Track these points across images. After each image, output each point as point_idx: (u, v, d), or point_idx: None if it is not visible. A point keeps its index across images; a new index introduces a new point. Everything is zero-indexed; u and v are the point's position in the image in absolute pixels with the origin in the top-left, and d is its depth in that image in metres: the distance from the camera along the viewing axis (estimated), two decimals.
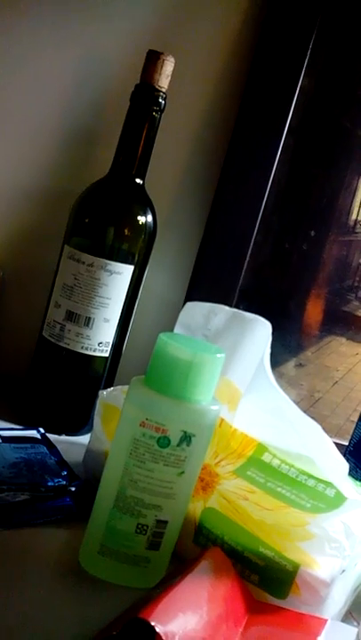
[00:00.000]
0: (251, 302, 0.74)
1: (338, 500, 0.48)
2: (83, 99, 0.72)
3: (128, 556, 0.44)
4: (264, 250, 0.76)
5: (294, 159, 0.76)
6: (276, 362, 0.78)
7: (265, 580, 0.45)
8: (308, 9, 0.72)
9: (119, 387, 0.58)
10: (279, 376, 0.78)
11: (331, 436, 0.71)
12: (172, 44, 0.70)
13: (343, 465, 0.47)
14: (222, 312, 0.55)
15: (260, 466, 0.51)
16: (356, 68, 0.76)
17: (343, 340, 0.80)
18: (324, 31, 0.73)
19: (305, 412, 0.50)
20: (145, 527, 0.44)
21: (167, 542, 0.45)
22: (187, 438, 0.43)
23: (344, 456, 0.65)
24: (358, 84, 0.76)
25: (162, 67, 0.60)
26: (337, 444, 0.63)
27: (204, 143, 0.75)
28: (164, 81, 0.61)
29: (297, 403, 0.76)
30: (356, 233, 0.79)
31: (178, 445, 0.43)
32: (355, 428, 0.67)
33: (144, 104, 0.61)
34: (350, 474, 0.61)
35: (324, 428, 0.65)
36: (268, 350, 0.52)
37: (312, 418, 0.50)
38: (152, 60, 0.60)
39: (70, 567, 0.45)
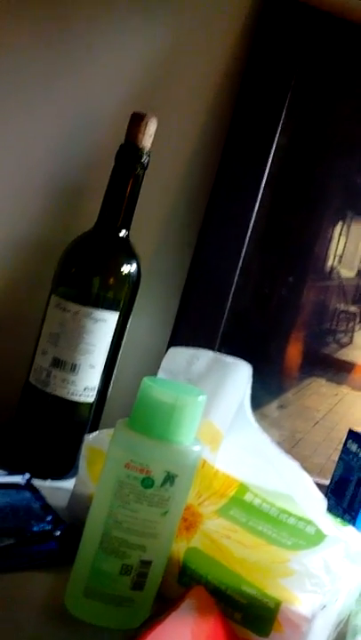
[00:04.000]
0: (233, 346, 0.76)
1: (318, 537, 0.50)
2: (71, 154, 0.76)
3: (113, 596, 0.45)
4: (245, 295, 0.78)
5: (272, 209, 0.79)
6: (258, 404, 0.80)
7: (248, 617, 0.46)
8: (283, 71, 0.77)
9: (104, 430, 0.60)
10: (261, 418, 0.80)
11: (313, 476, 0.73)
12: (157, 100, 0.76)
13: (321, 502, 0.49)
14: (204, 356, 0.57)
15: (243, 505, 0.53)
16: (329, 123, 0.81)
17: (323, 381, 0.82)
18: (298, 90, 0.78)
19: (287, 452, 0.52)
20: (129, 568, 0.45)
21: (151, 582, 0.46)
22: (170, 478, 0.44)
23: (326, 495, 0.67)
24: (331, 138, 0.81)
25: (145, 128, 0.64)
26: (319, 484, 0.65)
27: (186, 194, 0.80)
28: (147, 141, 0.65)
29: (279, 443, 0.78)
30: (333, 279, 0.82)
31: (161, 486, 0.44)
32: (335, 467, 0.69)
33: (128, 163, 0.65)
34: (332, 511, 0.62)
35: (305, 468, 0.67)
36: (249, 392, 0.54)
37: (294, 458, 0.51)
38: (136, 122, 0.64)
39: (56, 610, 0.45)
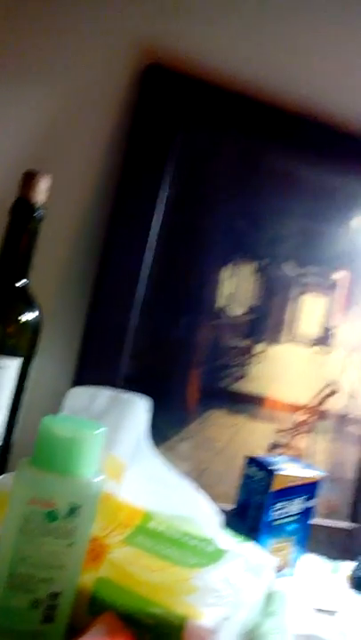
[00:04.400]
0: (134, 385, 0.79)
1: (218, 554, 0.54)
2: None
3: (24, 632, 0.46)
4: (143, 336, 0.82)
5: (165, 255, 0.85)
6: (163, 438, 0.83)
7: (157, 637, 0.49)
8: (167, 130, 0.85)
9: (8, 474, 0.61)
10: (167, 450, 0.83)
11: (219, 503, 0.77)
12: (52, 157, 0.82)
13: (216, 518, 0.52)
14: (103, 394, 0.61)
15: (148, 533, 0.56)
16: (211, 176, 0.88)
17: (222, 412, 0.87)
18: (182, 148, 0.86)
19: (194, 482, 0.55)
20: (39, 601, 0.46)
21: (61, 614, 0.47)
22: (74, 510, 0.47)
23: (231, 518, 0.71)
24: (215, 189, 0.89)
25: (37, 185, 0.68)
26: (225, 510, 0.69)
27: (84, 243, 0.85)
28: (40, 196, 0.68)
29: (186, 474, 0.82)
30: (225, 317, 0.88)
31: (66, 518, 0.46)
32: (238, 492, 0.73)
33: (22, 217, 0.68)
34: (237, 533, 0.66)
35: (212, 496, 0.71)
36: (147, 424, 0.58)
37: (200, 487, 0.55)
38: (28, 180, 0.68)
39: None
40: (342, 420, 0.92)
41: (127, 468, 0.57)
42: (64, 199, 0.83)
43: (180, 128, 0.85)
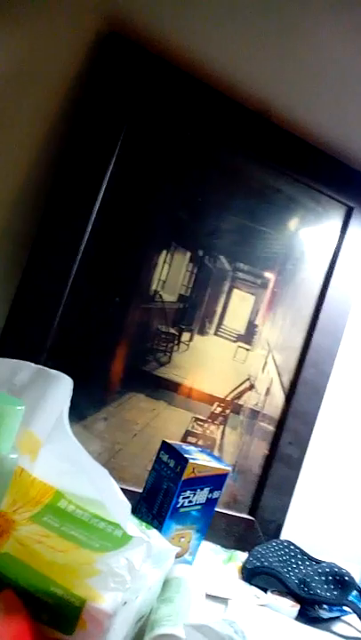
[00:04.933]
0: (59, 361, 0.79)
1: (124, 539, 0.54)
2: None
3: None
4: (73, 313, 0.81)
5: (103, 235, 0.83)
6: (82, 416, 0.83)
7: (54, 617, 0.49)
8: (118, 106, 0.83)
9: None
10: (84, 429, 0.83)
11: (129, 485, 0.78)
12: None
13: (127, 506, 0.53)
14: (27, 368, 0.59)
15: (56, 512, 0.55)
16: (157, 162, 0.88)
17: (142, 396, 0.88)
18: (131, 130, 0.84)
19: (107, 462, 0.55)
20: None
21: None
22: None
23: (138, 502, 0.71)
24: (159, 176, 0.88)
25: None
26: (134, 492, 0.69)
27: (21, 210, 0.83)
28: None
29: (100, 454, 0.82)
30: (156, 302, 0.89)
31: None
32: (148, 477, 0.74)
33: None
34: (143, 518, 0.67)
35: (123, 478, 0.71)
36: (68, 403, 0.57)
37: (113, 468, 0.55)
38: None
39: None
40: (255, 415, 0.95)
41: (43, 446, 0.56)
42: (5, 162, 0.79)
43: (132, 102, 0.84)
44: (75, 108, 0.83)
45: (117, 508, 0.53)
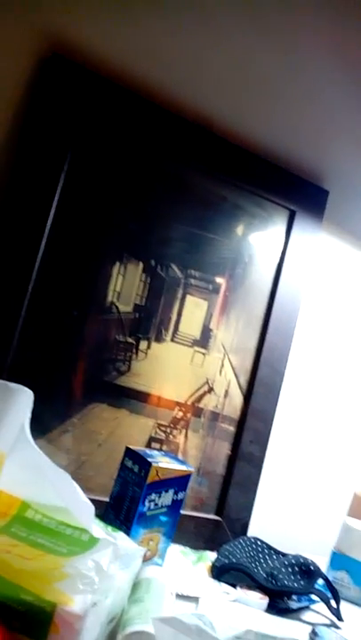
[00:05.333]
0: (20, 375, 0.79)
1: (91, 542, 0.55)
2: None
3: None
4: (31, 327, 0.83)
5: (58, 249, 0.85)
6: (46, 429, 0.84)
7: (26, 624, 0.49)
8: (64, 125, 0.85)
9: None
10: (49, 442, 0.84)
11: (96, 495, 0.79)
12: None
13: (90, 507, 0.54)
14: None
15: (24, 522, 0.56)
16: (108, 177, 0.90)
17: (105, 406, 0.89)
18: (80, 146, 0.87)
19: (73, 474, 0.56)
20: None
21: None
22: None
23: (105, 510, 0.73)
24: (111, 190, 0.90)
25: None
26: (101, 501, 0.71)
27: None
28: None
29: (66, 466, 0.83)
30: (112, 313, 0.90)
31: None
32: (114, 484, 0.76)
33: None
34: (111, 524, 0.68)
35: (90, 488, 0.72)
36: (29, 415, 0.58)
37: (79, 479, 0.56)
38: None
39: None
40: (215, 417, 0.98)
41: (7, 458, 0.57)
42: None
43: (78, 120, 0.86)
44: (21, 127, 0.84)
45: (81, 510, 0.54)
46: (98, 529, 0.55)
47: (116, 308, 0.91)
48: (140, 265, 0.93)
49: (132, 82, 0.91)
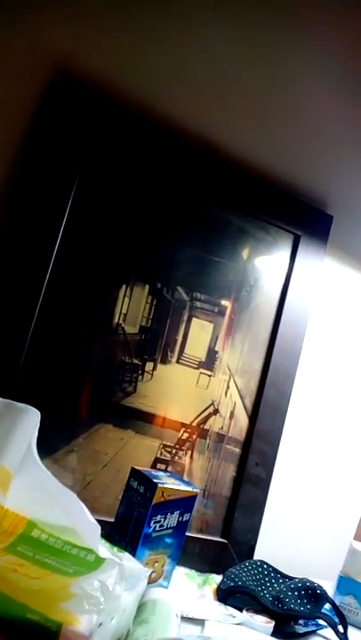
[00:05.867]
0: (26, 395, 0.80)
1: (97, 562, 0.56)
2: None
3: None
4: (38, 348, 0.84)
5: (65, 271, 0.87)
6: (52, 449, 0.84)
7: None
8: (73, 143, 0.87)
9: None
10: (55, 462, 0.84)
11: (101, 515, 0.79)
12: None
13: (96, 527, 0.55)
14: None
15: (30, 541, 0.57)
16: (116, 199, 0.92)
17: (110, 426, 0.90)
18: (87, 168, 0.89)
19: (78, 494, 0.57)
20: None
21: None
22: None
23: (110, 530, 0.73)
24: (117, 213, 0.92)
25: None
26: (106, 522, 0.71)
27: None
28: None
29: (71, 486, 0.83)
30: (118, 334, 0.92)
31: None
32: (119, 505, 0.76)
33: None
34: (117, 545, 0.68)
35: (95, 508, 0.72)
36: (36, 435, 0.59)
37: (85, 499, 0.57)
38: None
39: None
40: (221, 439, 0.98)
41: (13, 477, 0.58)
42: None
43: (86, 144, 0.89)
44: (30, 150, 0.86)
45: (88, 530, 0.55)
46: (104, 549, 0.56)
47: (123, 329, 0.92)
48: (147, 287, 0.94)
49: (138, 106, 0.93)
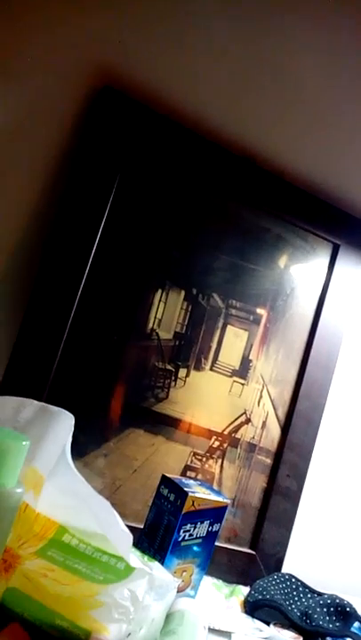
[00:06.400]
0: (60, 398, 0.80)
1: (127, 571, 0.55)
2: None
3: None
4: (72, 352, 0.84)
5: (101, 275, 0.87)
6: (82, 452, 0.84)
7: None
8: (113, 154, 0.87)
9: None
10: (85, 466, 0.84)
11: (130, 521, 0.79)
12: None
13: (128, 536, 0.54)
14: (31, 405, 0.61)
15: (60, 546, 0.57)
16: (152, 204, 0.92)
17: (141, 432, 0.89)
18: (125, 175, 0.89)
19: (108, 499, 0.56)
20: None
21: None
22: None
23: (140, 537, 0.72)
24: (154, 218, 0.92)
25: None
26: (135, 527, 0.70)
27: (22, 254, 0.86)
28: None
29: (101, 490, 0.83)
30: (152, 339, 0.91)
31: None
32: (149, 512, 0.75)
33: None
34: (145, 552, 0.68)
35: (124, 514, 0.72)
36: (70, 439, 0.59)
37: (113, 504, 0.56)
38: None
39: None
40: (252, 448, 0.97)
41: (46, 481, 0.58)
42: (6, 209, 0.83)
43: (126, 151, 0.88)
44: (70, 158, 0.87)
45: (120, 539, 0.54)
46: (135, 558, 0.55)
47: (157, 334, 0.92)
48: (182, 293, 0.93)
49: (179, 114, 0.93)
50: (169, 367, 0.93)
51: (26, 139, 0.86)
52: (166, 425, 0.91)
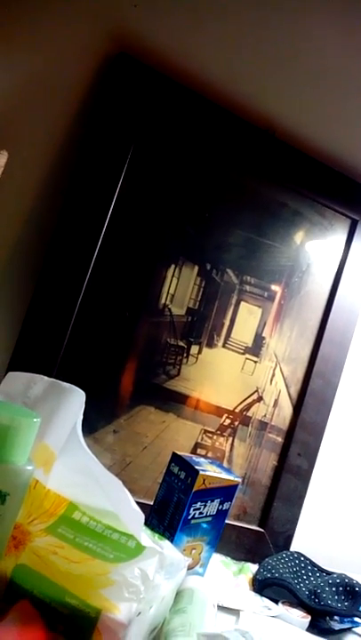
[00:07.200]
0: (70, 373, 0.79)
1: (138, 549, 0.55)
2: None
3: None
4: (84, 327, 0.82)
5: (113, 249, 0.85)
6: (92, 428, 0.84)
7: (70, 628, 0.49)
8: (127, 123, 0.85)
9: None
10: (95, 442, 0.84)
11: (139, 497, 0.79)
12: (9, 134, 0.80)
13: (140, 516, 0.53)
14: (41, 381, 0.60)
15: (71, 523, 0.56)
16: (167, 178, 0.89)
17: (152, 409, 0.88)
18: (140, 145, 0.86)
19: (117, 475, 0.56)
20: None
21: None
22: (1, 497, 0.47)
23: (149, 514, 0.72)
24: (168, 192, 0.90)
25: None
26: (145, 504, 0.70)
27: (33, 226, 0.84)
28: None
29: (110, 467, 0.83)
30: (165, 315, 0.90)
31: None
32: (159, 489, 0.75)
33: None
34: (154, 530, 0.68)
35: (133, 490, 0.71)
36: (81, 416, 0.58)
37: (124, 480, 0.56)
38: None
39: None
40: (263, 427, 0.96)
41: (57, 458, 0.57)
42: (17, 179, 0.81)
43: (140, 121, 0.86)
44: (84, 126, 0.85)
45: (131, 518, 0.54)
46: (145, 537, 0.54)
47: (169, 310, 0.90)
48: (196, 268, 0.92)
49: (196, 83, 0.89)
50: (181, 344, 0.91)
51: (40, 108, 0.84)
52: (177, 402, 0.90)
